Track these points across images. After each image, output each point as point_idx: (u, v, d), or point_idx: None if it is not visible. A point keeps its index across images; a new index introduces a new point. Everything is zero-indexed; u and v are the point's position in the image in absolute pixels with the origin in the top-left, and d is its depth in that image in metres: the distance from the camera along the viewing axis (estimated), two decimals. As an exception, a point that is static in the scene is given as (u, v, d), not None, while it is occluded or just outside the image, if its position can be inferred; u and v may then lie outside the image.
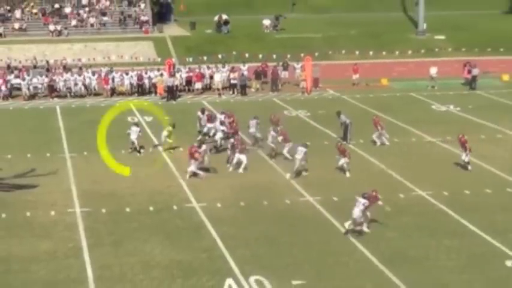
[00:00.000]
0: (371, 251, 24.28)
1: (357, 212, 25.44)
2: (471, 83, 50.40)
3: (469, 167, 32.65)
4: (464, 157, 32.67)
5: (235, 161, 32.56)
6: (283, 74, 51.60)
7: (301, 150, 31.52)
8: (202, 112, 38.71)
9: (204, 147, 32.23)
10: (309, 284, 22.20)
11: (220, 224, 26.60)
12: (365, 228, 25.78)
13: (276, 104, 46.09)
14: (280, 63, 52.48)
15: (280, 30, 68.95)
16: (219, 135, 35.88)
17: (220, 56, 56.62)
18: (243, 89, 48.92)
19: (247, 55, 56.50)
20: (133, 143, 35.27)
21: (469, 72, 51.06)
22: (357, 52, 60.77)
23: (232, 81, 49.16)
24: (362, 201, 25.46)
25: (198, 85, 49.12)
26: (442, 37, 67.07)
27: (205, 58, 56.27)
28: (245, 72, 49.69)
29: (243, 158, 32.42)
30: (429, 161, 34.41)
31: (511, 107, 45.32)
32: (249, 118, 36.54)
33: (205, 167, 32.10)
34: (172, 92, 47.36)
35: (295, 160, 31.77)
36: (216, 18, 68.26)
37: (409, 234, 25.79)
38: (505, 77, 53.32)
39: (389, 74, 54.12)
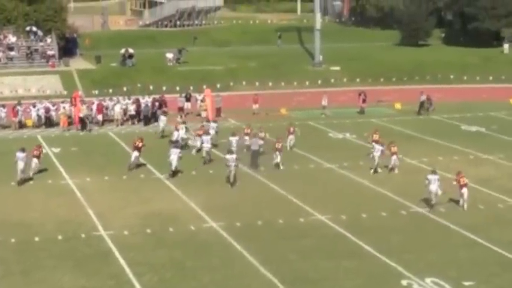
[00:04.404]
0: (273, 273, 24.99)
1: (434, 188, 31.32)
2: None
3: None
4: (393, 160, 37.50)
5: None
6: (186, 105, 52.55)
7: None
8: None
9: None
10: (214, 306, 22.81)
11: (127, 250, 26.99)
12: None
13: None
14: (183, 95, 53.44)
15: (183, 63, 69.61)
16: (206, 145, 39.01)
17: (125, 89, 57.06)
18: (146, 119, 49.84)
19: (151, 87, 57.14)
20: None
21: (364, 101, 53.10)
22: (257, 83, 61.96)
23: (130, 113, 50.07)
24: (435, 177, 31.43)
25: (99, 117, 49.71)
26: (337, 68, 68.41)
27: (110, 91, 56.56)
28: (148, 104, 50.60)
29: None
30: (328, 186, 35.53)
31: (404, 133, 46.92)
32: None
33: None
34: (84, 122, 47.95)
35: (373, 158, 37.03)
36: (122, 51, 68.63)
37: (309, 257, 26.62)
38: (397, 105, 55.22)
39: (288, 104, 55.25)
